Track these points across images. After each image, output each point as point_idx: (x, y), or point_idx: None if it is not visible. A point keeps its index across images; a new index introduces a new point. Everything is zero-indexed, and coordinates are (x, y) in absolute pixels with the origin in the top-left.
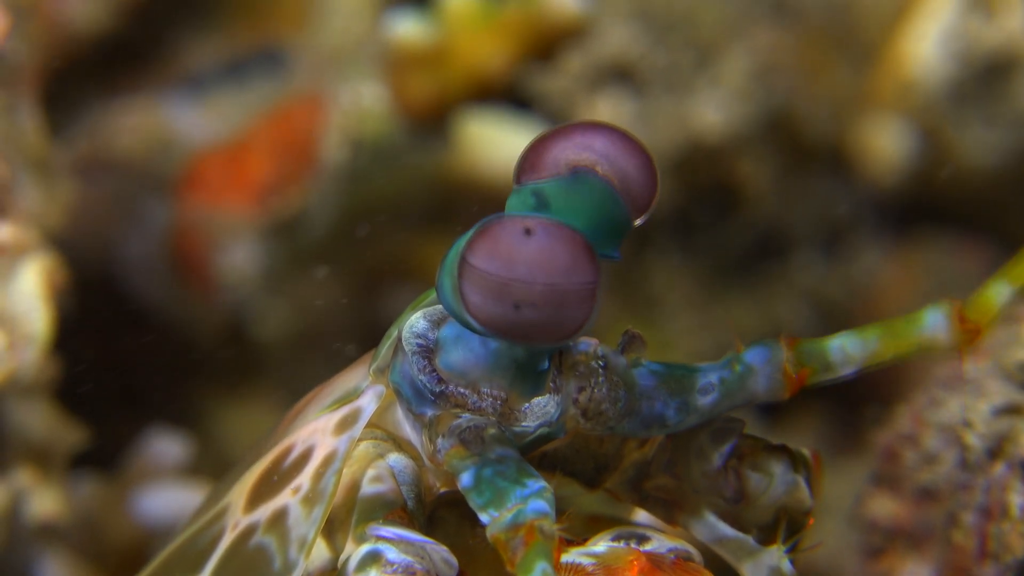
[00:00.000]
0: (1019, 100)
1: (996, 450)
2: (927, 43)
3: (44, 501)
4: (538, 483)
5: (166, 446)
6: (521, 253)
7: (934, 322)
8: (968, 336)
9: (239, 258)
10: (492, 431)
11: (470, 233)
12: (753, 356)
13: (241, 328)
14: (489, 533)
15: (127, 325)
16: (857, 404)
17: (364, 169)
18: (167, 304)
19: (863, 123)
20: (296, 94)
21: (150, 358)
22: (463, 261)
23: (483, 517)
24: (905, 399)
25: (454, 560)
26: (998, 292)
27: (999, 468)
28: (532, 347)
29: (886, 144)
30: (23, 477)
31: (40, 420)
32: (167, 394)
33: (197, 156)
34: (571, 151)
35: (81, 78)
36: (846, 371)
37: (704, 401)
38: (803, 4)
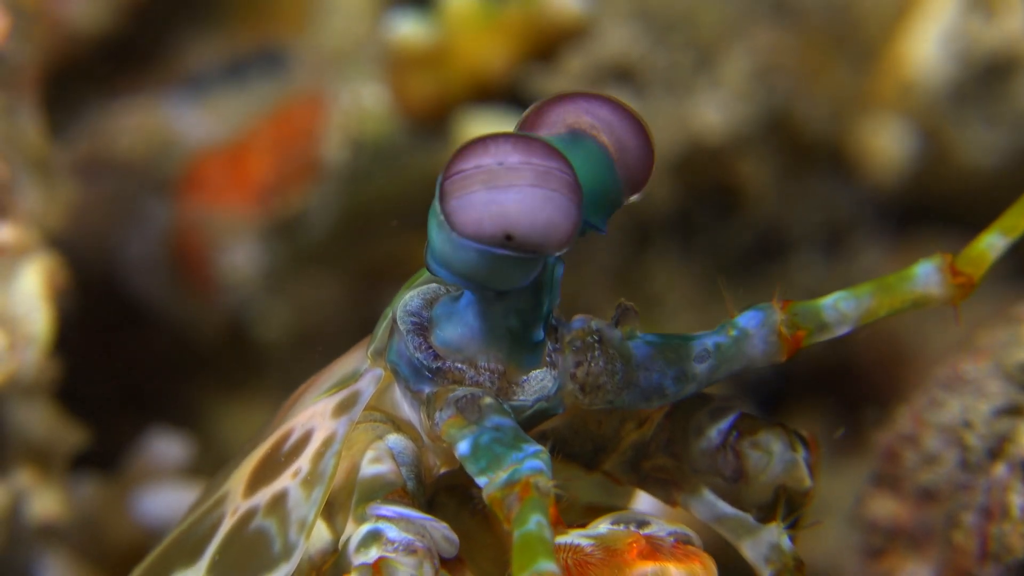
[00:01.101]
0: (1019, 100)
1: (997, 451)
2: (927, 43)
3: (44, 501)
4: (534, 447)
5: (166, 446)
6: (487, 156)
7: (926, 275)
8: (961, 289)
9: (239, 258)
10: (488, 400)
11: (437, 189)
12: (747, 320)
13: (241, 328)
14: (485, 494)
15: (127, 325)
16: (857, 404)
17: (364, 169)
18: (167, 304)
19: (863, 123)
20: (296, 94)
21: (150, 358)
22: (442, 194)
23: (480, 480)
24: (905, 399)
25: (455, 537)
26: (991, 244)
27: (1000, 469)
28: (537, 257)
29: (886, 144)
30: (23, 477)
31: (40, 420)
32: (167, 394)
33: (197, 156)
34: (573, 114)
35: (82, 78)
36: (841, 330)
37: (701, 368)
38: (803, 4)
